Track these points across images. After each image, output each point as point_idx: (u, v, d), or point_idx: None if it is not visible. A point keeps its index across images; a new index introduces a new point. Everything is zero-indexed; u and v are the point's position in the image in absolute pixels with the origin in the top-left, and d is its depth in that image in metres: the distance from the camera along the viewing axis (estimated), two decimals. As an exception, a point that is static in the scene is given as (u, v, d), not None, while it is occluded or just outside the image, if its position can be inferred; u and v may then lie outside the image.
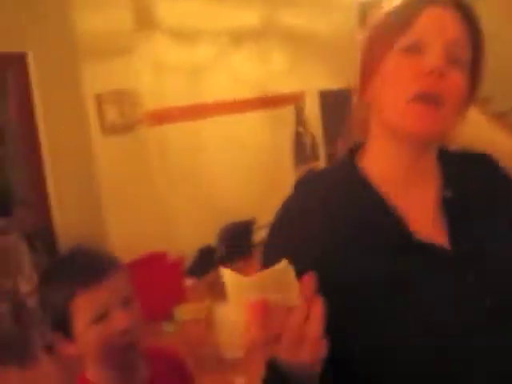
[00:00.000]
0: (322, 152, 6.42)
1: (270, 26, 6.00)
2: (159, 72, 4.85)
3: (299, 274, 0.77)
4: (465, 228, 0.92)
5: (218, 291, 4.35)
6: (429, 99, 0.85)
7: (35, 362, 0.86)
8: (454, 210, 0.94)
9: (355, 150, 0.98)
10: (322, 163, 6.38)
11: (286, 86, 6.05)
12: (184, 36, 5.09)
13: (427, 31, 0.87)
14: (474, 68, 0.92)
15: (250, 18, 5.81)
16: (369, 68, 0.93)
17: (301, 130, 6.33)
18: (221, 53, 5.48)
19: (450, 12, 0.89)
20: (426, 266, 0.87)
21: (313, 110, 6.24)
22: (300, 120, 6.33)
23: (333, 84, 5.88)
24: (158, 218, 4.62)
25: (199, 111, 5.21)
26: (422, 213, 0.93)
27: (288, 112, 6.15)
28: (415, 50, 0.87)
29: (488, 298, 0.87)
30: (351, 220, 0.90)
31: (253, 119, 5.73)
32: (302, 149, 6.28)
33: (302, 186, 1.02)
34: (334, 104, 5.60)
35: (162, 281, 3.90)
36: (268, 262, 0.82)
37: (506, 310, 0.88)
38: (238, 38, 5.65)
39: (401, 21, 0.89)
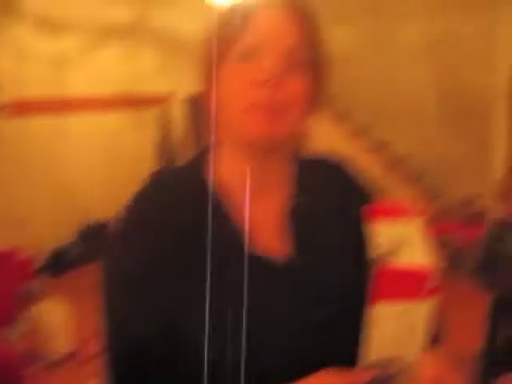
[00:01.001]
0: (186, 154, 6.43)
1: (141, 25, 5.91)
2: (21, 61, 4.59)
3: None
4: (307, 240, 0.92)
5: (75, 292, 4.21)
6: (265, 108, 0.83)
7: None
8: (299, 220, 0.93)
9: (205, 153, 0.95)
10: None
11: (153, 87, 5.98)
12: (50, 26, 4.86)
13: (262, 36, 0.85)
14: (316, 69, 0.90)
15: (121, 14, 5.68)
16: (208, 75, 0.90)
17: (165, 131, 6.30)
18: (88, 47, 5.30)
19: (286, 14, 0.86)
20: (263, 278, 0.86)
21: (179, 112, 6.23)
22: (165, 121, 6.30)
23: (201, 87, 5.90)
24: (11, 214, 4.36)
25: (62, 105, 5.00)
26: (266, 222, 0.91)
27: (154, 113, 6.10)
28: (251, 57, 0.84)
29: (318, 312, 0.88)
30: (191, 231, 0.86)
31: (118, 117, 5.60)
32: (165, 150, 6.25)
33: (146, 191, 0.97)
34: (201, 107, 5.61)
35: (4, 282, 3.67)
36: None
37: (336, 324, 0.89)
38: (106, 33, 5.50)
39: (234, 27, 0.86)
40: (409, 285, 0.75)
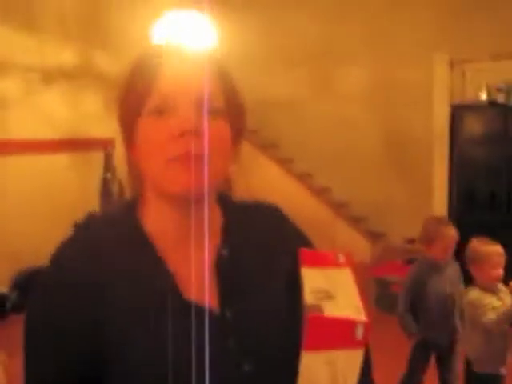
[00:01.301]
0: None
1: (85, 68, 5.89)
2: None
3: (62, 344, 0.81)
4: (236, 290, 0.91)
5: (11, 343, 4.03)
6: (186, 159, 0.82)
7: None
8: (228, 270, 0.91)
9: (135, 201, 0.95)
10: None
11: (96, 130, 5.92)
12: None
13: (173, 89, 0.84)
14: (232, 116, 0.89)
15: (65, 56, 5.65)
16: (126, 131, 0.90)
17: (108, 175, 6.22)
18: (30, 89, 5.23)
19: (195, 65, 0.87)
20: (192, 327, 0.84)
21: (122, 157, 6.16)
22: (108, 166, 6.22)
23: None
24: None
25: (2, 147, 4.88)
26: (196, 272, 0.88)
27: (97, 157, 6.02)
28: (164, 111, 0.84)
29: (247, 363, 0.87)
30: (125, 280, 0.85)
31: (60, 162, 5.50)
32: (108, 195, 6.16)
33: (77, 237, 0.94)
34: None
35: None
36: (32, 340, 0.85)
37: (265, 375, 0.87)
38: (49, 75, 5.45)
39: (143, 82, 0.85)
40: (337, 334, 0.75)
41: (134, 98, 0.87)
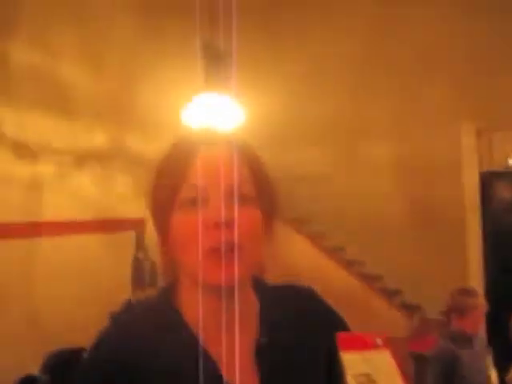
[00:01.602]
0: (160, 278, 6.35)
1: (116, 149, 6.05)
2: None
3: None
4: (276, 377, 0.90)
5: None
6: (220, 251, 0.82)
7: None
8: (267, 357, 0.91)
9: (172, 288, 0.95)
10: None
11: (128, 211, 6.01)
12: (25, 150, 4.94)
13: (203, 181, 0.85)
14: (264, 202, 0.89)
15: (96, 139, 5.83)
16: (159, 223, 0.92)
17: (140, 255, 6.26)
18: (63, 171, 5.37)
19: (224, 153, 0.86)
20: None
21: (154, 236, 6.21)
22: (140, 246, 6.28)
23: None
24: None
25: (35, 229, 4.97)
26: (237, 359, 0.88)
27: (128, 237, 6.08)
28: (196, 202, 0.84)
29: None
30: (167, 367, 0.85)
31: (92, 242, 5.56)
32: (140, 275, 6.18)
33: (116, 326, 0.95)
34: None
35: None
36: None
37: None
38: (81, 157, 5.61)
39: (174, 175, 0.87)
40: None
41: (165, 191, 0.88)
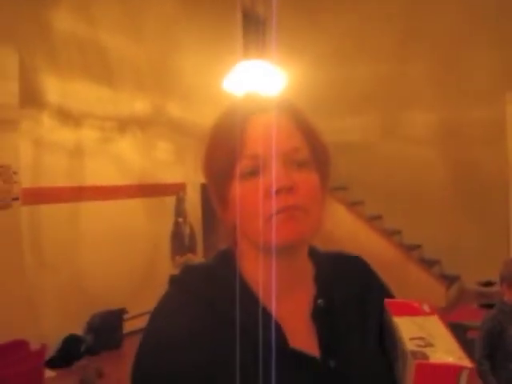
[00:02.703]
0: (199, 244, 6.44)
1: (158, 116, 6.10)
2: (40, 151, 4.73)
3: None
4: (335, 339, 0.91)
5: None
6: (286, 212, 0.83)
7: None
8: (325, 320, 0.92)
9: (232, 253, 0.95)
10: (199, 255, 6.38)
11: (168, 176, 6.09)
12: (69, 117, 5.03)
13: (260, 148, 0.85)
14: (320, 165, 0.91)
15: (137, 105, 5.89)
16: (218, 193, 0.91)
17: (180, 220, 6.36)
18: (105, 137, 5.46)
19: (276, 120, 0.87)
20: (297, 376, 0.85)
21: (194, 202, 6.29)
22: (180, 210, 6.37)
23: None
24: (24, 302, 4.34)
25: (78, 194, 5.08)
26: (296, 321, 0.90)
27: (169, 202, 6.18)
28: (256, 171, 0.85)
29: None
30: (232, 326, 0.85)
31: (133, 206, 5.67)
32: (179, 239, 6.28)
33: (178, 289, 0.93)
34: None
35: (20, 371, 3.62)
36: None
37: None
38: (123, 124, 5.68)
39: (230, 146, 0.87)
40: (442, 381, 0.75)
41: (222, 162, 0.88)
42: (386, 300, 0.94)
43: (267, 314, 0.88)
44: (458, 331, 4.95)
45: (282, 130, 0.87)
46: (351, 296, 0.99)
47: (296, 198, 0.84)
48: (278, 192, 0.84)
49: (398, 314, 0.88)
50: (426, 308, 0.91)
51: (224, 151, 0.88)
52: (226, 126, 0.90)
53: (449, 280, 6.50)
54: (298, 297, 0.93)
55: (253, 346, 0.84)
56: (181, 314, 0.87)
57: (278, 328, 0.88)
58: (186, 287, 0.92)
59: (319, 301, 0.94)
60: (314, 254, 1.01)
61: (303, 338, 0.90)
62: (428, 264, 6.63)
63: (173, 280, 0.95)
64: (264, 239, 0.86)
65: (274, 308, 0.89)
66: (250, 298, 0.89)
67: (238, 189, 0.87)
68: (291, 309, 0.91)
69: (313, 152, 0.90)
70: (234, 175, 0.87)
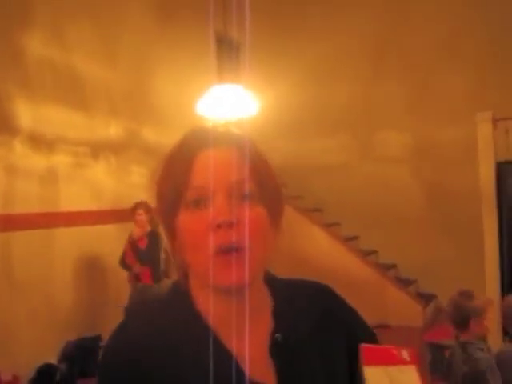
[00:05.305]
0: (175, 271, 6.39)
1: (132, 140, 6.08)
2: (12, 177, 4.67)
3: None
4: (293, 375, 0.89)
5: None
6: (227, 250, 0.82)
7: None
8: (283, 354, 0.90)
9: (186, 284, 0.94)
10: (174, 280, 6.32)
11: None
12: (42, 143, 4.99)
13: (205, 182, 0.85)
14: (267, 198, 0.89)
15: (112, 130, 5.86)
16: (166, 223, 0.91)
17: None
18: (79, 162, 5.42)
19: (225, 154, 0.87)
20: None
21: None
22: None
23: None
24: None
25: (51, 220, 5.02)
26: (254, 354, 0.89)
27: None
28: (200, 202, 0.85)
29: None
30: (185, 361, 0.86)
31: (107, 232, 5.61)
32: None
33: (133, 318, 0.95)
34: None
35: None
36: None
37: None
38: (98, 149, 5.65)
39: (178, 176, 0.87)
40: None
41: (170, 193, 0.89)
42: (362, 346, 0.88)
43: (224, 347, 0.87)
44: (436, 351, 4.96)
45: (228, 164, 0.87)
46: (314, 330, 0.96)
47: (236, 235, 0.83)
48: (218, 227, 0.83)
49: (371, 363, 0.83)
50: (405, 356, 0.84)
51: (172, 182, 0.89)
52: (176, 158, 0.91)
53: (425, 298, 6.53)
54: (255, 330, 0.91)
55: (206, 380, 0.82)
56: (135, 343, 0.87)
57: (235, 360, 0.86)
58: (141, 317, 0.93)
59: (276, 335, 0.92)
60: (272, 283, 0.99)
61: (262, 371, 0.88)
62: (404, 283, 6.66)
63: (128, 309, 0.95)
64: (206, 276, 0.85)
65: (233, 342, 0.88)
66: (204, 330, 0.88)
67: (180, 220, 0.87)
68: (250, 342, 0.89)
69: (259, 186, 0.89)
70: (180, 207, 0.87)
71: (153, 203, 0.94)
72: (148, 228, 5.32)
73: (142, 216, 5.24)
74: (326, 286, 1.06)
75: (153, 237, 5.28)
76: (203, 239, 0.84)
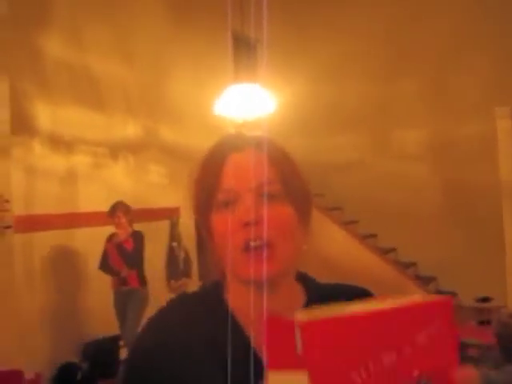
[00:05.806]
0: (194, 267, 6.41)
1: (150, 140, 6.11)
2: (32, 178, 4.71)
3: None
4: None
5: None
6: (255, 247, 0.88)
7: None
8: None
9: (221, 281, 1.00)
10: (194, 279, 6.34)
11: (161, 200, 6.07)
12: (61, 143, 5.03)
13: (234, 184, 0.92)
14: (293, 196, 0.94)
15: (130, 130, 5.90)
16: (203, 222, 0.98)
17: (174, 244, 6.32)
18: (97, 163, 5.45)
19: (252, 157, 0.93)
20: None
21: (188, 225, 6.27)
22: (174, 235, 6.34)
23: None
24: (16, 330, 4.30)
25: (71, 220, 5.06)
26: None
27: (163, 226, 6.16)
28: (229, 203, 0.91)
29: None
30: (215, 357, 0.89)
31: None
32: (174, 264, 6.24)
33: (166, 315, 0.99)
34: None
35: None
36: None
37: None
38: (116, 149, 5.68)
39: (210, 180, 0.94)
40: None
41: (203, 194, 0.96)
42: None
43: (245, 338, 0.91)
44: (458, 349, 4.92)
45: (255, 166, 0.92)
46: None
47: (262, 232, 0.88)
48: (246, 225, 0.88)
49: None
50: None
51: (205, 184, 0.96)
52: (209, 162, 0.98)
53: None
54: None
55: (231, 364, 0.87)
56: (170, 331, 0.93)
57: (254, 350, 0.89)
58: (178, 307, 0.99)
59: None
60: (306, 282, 1.03)
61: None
62: (424, 281, 6.62)
63: (169, 301, 1.01)
64: (236, 271, 0.92)
65: (252, 340, 0.91)
66: (234, 328, 0.92)
67: (213, 220, 0.94)
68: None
69: (285, 186, 0.94)
70: (212, 208, 0.94)
71: (188, 203, 1.02)
72: (130, 229, 5.19)
73: (121, 218, 5.08)
74: (366, 290, 1.08)
75: (137, 237, 5.16)
76: (231, 237, 0.89)
